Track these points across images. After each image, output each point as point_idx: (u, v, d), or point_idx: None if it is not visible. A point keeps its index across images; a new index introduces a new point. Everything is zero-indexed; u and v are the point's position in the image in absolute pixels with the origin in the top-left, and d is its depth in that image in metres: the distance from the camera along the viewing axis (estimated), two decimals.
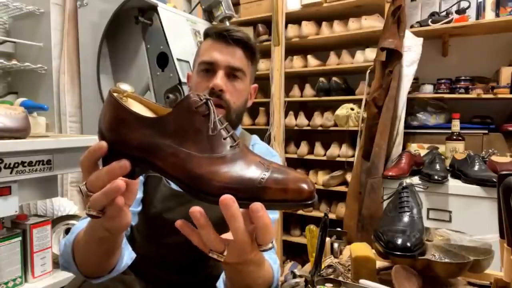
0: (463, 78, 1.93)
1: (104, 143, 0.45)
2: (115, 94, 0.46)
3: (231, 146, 0.44)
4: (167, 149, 0.43)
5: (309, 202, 0.42)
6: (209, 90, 0.83)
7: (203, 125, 0.44)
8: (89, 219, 0.58)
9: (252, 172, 0.42)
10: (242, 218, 0.42)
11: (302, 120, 2.38)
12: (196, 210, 0.42)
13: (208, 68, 0.86)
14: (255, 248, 0.45)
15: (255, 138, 1.03)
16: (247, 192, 0.41)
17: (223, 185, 0.42)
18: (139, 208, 0.84)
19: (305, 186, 0.41)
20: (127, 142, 0.44)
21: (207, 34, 0.91)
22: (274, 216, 0.88)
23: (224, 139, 0.45)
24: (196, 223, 0.43)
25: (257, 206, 0.41)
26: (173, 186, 0.86)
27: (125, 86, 0.47)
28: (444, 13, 1.96)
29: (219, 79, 0.84)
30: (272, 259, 0.76)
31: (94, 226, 0.54)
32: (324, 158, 2.28)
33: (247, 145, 0.94)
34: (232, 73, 0.87)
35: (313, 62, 2.34)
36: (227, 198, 0.41)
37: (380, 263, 0.81)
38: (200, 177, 0.42)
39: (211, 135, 0.44)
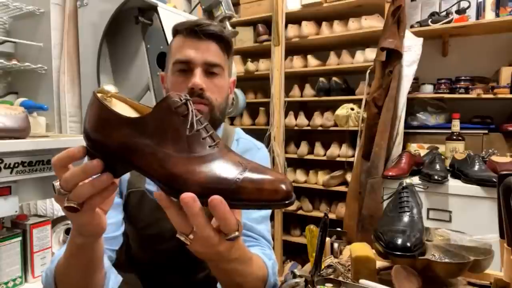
0: (463, 78, 1.93)
1: (83, 149, 0.47)
2: (99, 95, 0.47)
3: (210, 146, 0.45)
4: (146, 148, 0.44)
5: (286, 202, 0.42)
6: (189, 90, 0.78)
7: (181, 125, 0.45)
8: None
9: (229, 171, 0.43)
10: (204, 215, 0.43)
11: (302, 120, 2.38)
12: (158, 193, 0.44)
13: (184, 68, 0.81)
14: (223, 240, 0.45)
15: (239, 132, 0.99)
16: (223, 192, 0.42)
17: (199, 185, 0.42)
18: (122, 229, 0.81)
19: (282, 186, 0.42)
20: (109, 141, 0.45)
21: (176, 31, 0.84)
22: (261, 213, 0.86)
23: (203, 139, 0.45)
24: (161, 204, 0.44)
25: (215, 200, 0.41)
26: None
27: (109, 87, 0.49)
28: (444, 13, 1.96)
29: (198, 78, 0.78)
30: (266, 254, 0.76)
31: (71, 235, 0.55)
32: (324, 158, 2.28)
33: (231, 140, 0.92)
34: (209, 70, 0.81)
35: (313, 62, 2.34)
36: (188, 197, 0.41)
37: (380, 263, 0.81)
38: (176, 176, 0.43)
39: (188, 135, 0.44)
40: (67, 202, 0.45)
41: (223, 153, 0.45)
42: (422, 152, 1.86)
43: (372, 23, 2.10)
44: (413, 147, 1.97)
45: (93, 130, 0.46)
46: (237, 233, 0.44)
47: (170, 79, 0.83)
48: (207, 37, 0.81)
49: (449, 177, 1.58)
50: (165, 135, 0.44)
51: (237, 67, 2.51)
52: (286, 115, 2.42)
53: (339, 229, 0.98)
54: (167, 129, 0.44)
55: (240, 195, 0.42)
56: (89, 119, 0.47)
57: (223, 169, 0.43)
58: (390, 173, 1.67)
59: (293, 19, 2.37)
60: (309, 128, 2.36)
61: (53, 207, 1.44)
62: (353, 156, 2.16)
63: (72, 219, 0.50)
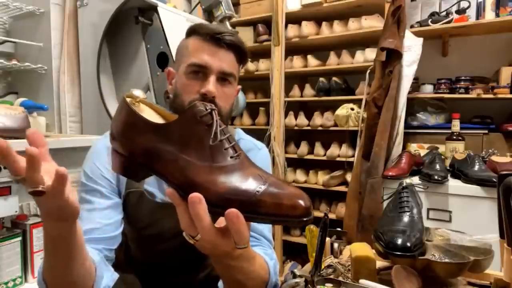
0: (463, 78, 1.93)
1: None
2: (128, 99, 0.48)
3: (231, 157, 0.45)
4: (168, 155, 0.45)
5: (305, 219, 0.42)
6: (201, 96, 0.79)
7: (205, 134, 0.45)
8: None
9: (249, 184, 0.43)
10: (209, 218, 0.43)
11: (302, 120, 2.38)
12: (170, 190, 0.44)
13: (198, 71, 0.81)
14: (231, 244, 0.46)
15: (239, 133, 0.99)
16: (242, 204, 0.42)
17: (219, 195, 0.43)
18: (121, 229, 0.81)
19: (301, 202, 0.42)
20: (134, 145, 0.46)
21: (194, 32, 0.84)
22: None
23: (225, 149, 0.45)
24: (173, 201, 0.45)
25: (232, 213, 0.41)
26: (157, 199, 0.84)
27: (137, 92, 0.50)
28: (444, 13, 1.96)
29: (212, 85, 0.79)
30: (268, 254, 0.76)
31: (44, 228, 0.52)
32: (324, 158, 2.28)
33: None
34: (222, 78, 0.82)
35: (313, 62, 2.34)
36: (195, 197, 0.42)
37: (380, 263, 0.81)
38: (197, 185, 0.43)
39: (212, 144, 0.45)
40: (31, 187, 0.41)
41: (244, 165, 0.46)
42: (422, 152, 1.86)
43: (372, 23, 2.10)
44: (413, 147, 1.97)
45: (120, 134, 0.47)
46: (246, 244, 0.45)
47: (182, 80, 0.83)
48: (227, 46, 0.82)
49: (449, 177, 1.58)
50: (188, 143, 0.45)
51: None
52: (286, 115, 2.41)
53: (339, 229, 0.98)
54: (191, 138, 0.45)
55: (259, 208, 0.42)
56: (117, 123, 0.48)
57: (243, 181, 0.43)
58: (390, 173, 1.67)
59: (293, 19, 2.36)
60: (309, 128, 2.36)
61: None
62: (353, 156, 2.16)
63: (41, 204, 0.46)
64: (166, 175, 0.45)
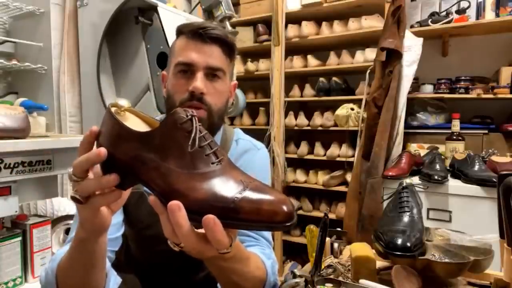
0: (463, 78, 1.93)
1: (103, 150, 0.46)
2: (112, 109, 0.49)
3: (213, 163, 0.45)
4: (150, 163, 0.45)
5: (286, 224, 0.41)
6: (189, 94, 0.78)
7: (185, 141, 0.45)
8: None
9: (229, 190, 0.42)
10: (189, 225, 0.43)
11: (302, 120, 2.38)
12: (153, 198, 0.44)
13: (186, 70, 0.80)
14: (214, 249, 0.45)
15: (238, 133, 0.98)
16: (221, 210, 0.41)
17: (198, 202, 0.42)
18: (122, 231, 0.81)
19: (282, 207, 0.41)
20: (119, 154, 0.46)
21: (180, 32, 0.84)
22: None
23: (207, 155, 0.45)
24: (155, 209, 0.45)
25: (208, 219, 0.41)
26: None
27: (122, 102, 0.50)
28: (444, 13, 1.96)
29: (199, 82, 0.78)
30: (265, 254, 0.76)
31: (76, 228, 0.55)
32: (324, 158, 2.28)
33: (230, 141, 0.92)
34: (211, 73, 0.81)
35: (313, 62, 2.34)
36: (173, 204, 0.41)
37: (380, 263, 0.81)
38: (177, 192, 0.43)
39: (191, 151, 0.44)
40: (74, 192, 0.47)
41: (225, 170, 0.45)
42: (422, 152, 1.86)
43: (372, 23, 2.10)
44: (413, 147, 1.97)
45: (105, 143, 0.48)
46: (230, 249, 0.45)
47: (171, 80, 0.83)
48: (211, 41, 0.80)
49: (449, 177, 1.58)
50: (169, 151, 0.45)
51: (237, 67, 2.51)
52: (286, 115, 2.42)
53: (339, 229, 0.98)
54: (172, 145, 0.45)
55: (238, 214, 0.41)
56: (102, 133, 0.48)
57: (223, 187, 0.43)
58: (390, 173, 1.67)
59: (293, 19, 2.37)
60: (309, 128, 2.36)
61: (53, 207, 1.44)
62: (353, 156, 2.16)
63: (78, 211, 0.52)
64: (150, 182, 0.45)
